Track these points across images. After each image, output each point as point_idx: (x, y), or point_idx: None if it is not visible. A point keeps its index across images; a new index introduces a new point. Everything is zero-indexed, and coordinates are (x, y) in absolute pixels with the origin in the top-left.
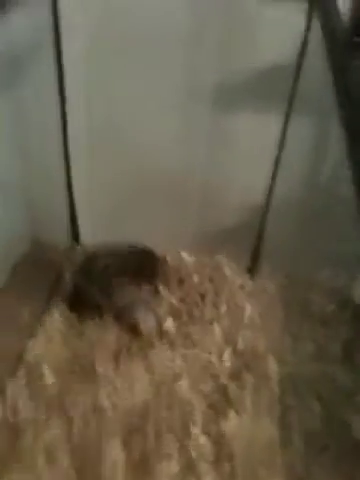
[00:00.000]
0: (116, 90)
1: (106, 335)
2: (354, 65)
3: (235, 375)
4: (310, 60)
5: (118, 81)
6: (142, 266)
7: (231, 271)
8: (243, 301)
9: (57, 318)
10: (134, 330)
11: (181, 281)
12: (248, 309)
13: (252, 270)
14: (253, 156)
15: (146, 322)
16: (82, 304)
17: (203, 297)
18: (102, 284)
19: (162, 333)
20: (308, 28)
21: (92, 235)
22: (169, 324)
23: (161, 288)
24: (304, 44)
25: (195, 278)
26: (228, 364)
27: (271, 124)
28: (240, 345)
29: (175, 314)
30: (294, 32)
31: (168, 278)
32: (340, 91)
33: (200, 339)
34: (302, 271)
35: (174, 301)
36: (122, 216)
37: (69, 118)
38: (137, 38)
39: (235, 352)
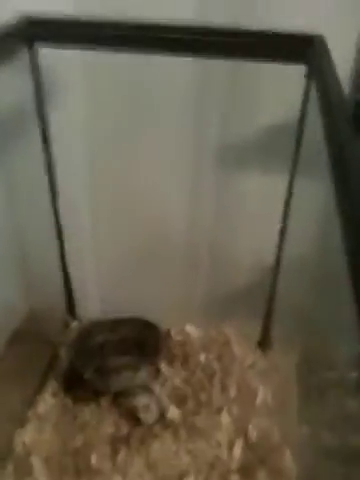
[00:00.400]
0: (117, 155)
1: (103, 424)
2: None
3: (247, 471)
4: (311, 124)
5: (119, 146)
6: (143, 343)
7: (241, 347)
8: (255, 382)
9: (50, 401)
10: (134, 419)
11: (186, 359)
12: (260, 392)
13: (263, 344)
14: (261, 217)
15: (147, 410)
16: (77, 386)
17: (211, 378)
18: (98, 364)
19: (165, 422)
20: (306, 99)
21: (90, 307)
22: (173, 412)
23: (164, 367)
24: (303, 113)
25: (202, 356)
26: (239, 459)
27: (278, 184)
28: (252, 436)
29: (180, 399)
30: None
31: (172, 356)
32: (337, 166)
33: (208, 430)
34: (318, 340)
35: (179, 383)
36: (123, 285)
37: (66, 184)
38: (138, 101)
39: (247, 444)
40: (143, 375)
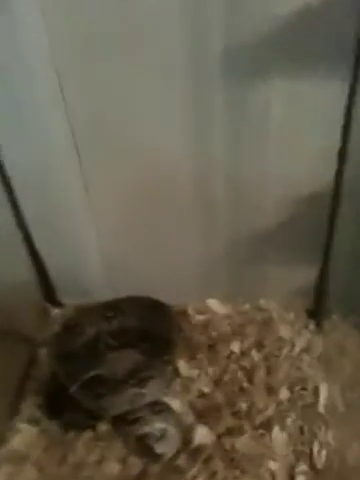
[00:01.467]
0: (93, 71)
1: (105, 461)
2: None
3: None
4: None
5: (95, 59)
6: (151, 332)
7: (287, 325)
8: (314, 375)
9: (28, 431)
10: (147, 450)
11: (213, 349)
12: (323, 389)
13: (317, 315)
14: (294, 135)
15: (164, 438)
16: (65, 405)
17: (250, 375)
18: (88, 372)
19: (192, 451)
20: None
21: (79, 287)
22: (202, 434)
23: (182, 366)
24: None
25: (234, 343)
26: None
27: (321, 87)
28: (319, 459)
29: (210, 413)
30: None
31: (193, 347)
32: None
33: (254, 455)
34: None
35: (206, 387)
36: (124, 254)
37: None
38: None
39: (313, 471)
40: (154, 387)
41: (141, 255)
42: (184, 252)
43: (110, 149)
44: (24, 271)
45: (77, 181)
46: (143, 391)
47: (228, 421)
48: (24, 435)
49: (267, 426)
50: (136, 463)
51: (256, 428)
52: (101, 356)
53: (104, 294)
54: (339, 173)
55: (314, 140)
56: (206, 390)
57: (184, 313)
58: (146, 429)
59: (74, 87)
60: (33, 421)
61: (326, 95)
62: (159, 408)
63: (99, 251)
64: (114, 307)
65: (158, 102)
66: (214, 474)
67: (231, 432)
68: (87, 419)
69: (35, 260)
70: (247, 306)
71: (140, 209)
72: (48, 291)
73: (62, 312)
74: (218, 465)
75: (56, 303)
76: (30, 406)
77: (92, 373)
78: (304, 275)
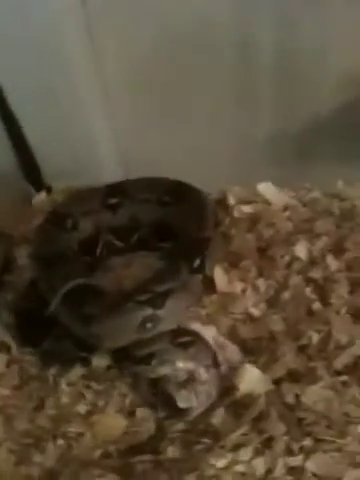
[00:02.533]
0: None
1: (99, 413)
2: None
3: None
4: None
5: None
6: (173, 228)
7: None
8: None
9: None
10: (166, 406)
11: (264, 255)
12: None
13: None
14: None
15: (192, 389)
16: (46, 329)
17: (323, 292)
18: (81, 284)
19: (235, 407)
20: None
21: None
22: (249, 381)
23: (220, 278)
24: None
25: (298, 245)
26: None
27: None
28: None
29: (260, 348)
30: None
31: (235, 250)
32: None
33: (331, 413)
34: None
35: (254, 310)
36: (133, 126)
37: None
38: None
39: None
40: (175, 306)
41: (163, 128)
42: (221, 126)
43: None
44: None
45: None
46: (158, 313)
47: (291, 361)
48: None
49: (354, 370)
50: (148, 418)
51: (336, 373)
52: (100, 261)
53: (109, 177)
54: None
55: None
56: (256, 313)
57: (222, 203)
58: (163, 370)
59: None
60: (0, 347)
61: None
62: (184, 339)
63: (105, 119)
64: (120, 191)
65: None
66: (269, 441)
67: (295, 377)
68: (76, 349)
69: (12, 130)
70: (316, 193)
71: (159, 75)
72: (30, 171)
73: (48, 199)
74: (276, 428)
75: (41, 186)
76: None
77: (77, 282)
78: None
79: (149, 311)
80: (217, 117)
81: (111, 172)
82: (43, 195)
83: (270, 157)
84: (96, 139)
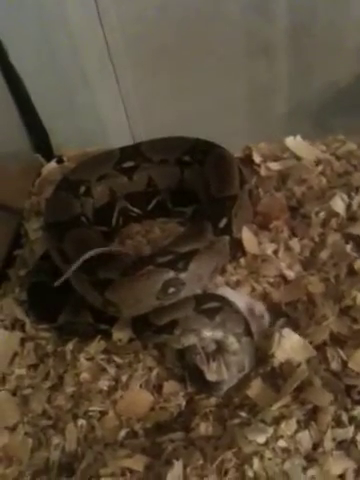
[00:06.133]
0: None
1: (122, 388)
2: None
3: None
4: None
5: None
6: (195, 192)
7: None
8: None
9: (6, 338)
10: (196, 380)
11: (297, 213)
12: None
13: None
14: None
15: (222, 361)
16: (62, 302)
17: None
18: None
19: (273, 376)
20: None
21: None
22: (289, 348)
23: (248, 239)
24: None
25: (335, 200)
26: None
27: None
28: None
29: (297, 312)
30: None
31: (265, 210)
32: None
33: None
34: None
35: (289, 272)
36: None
37: None
38: None
39: None
40: (200, 269)
41: (175, 90)
42: (238, 81)
43: None
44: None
45: None
46: (180, 276)
47: (333, 324)
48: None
49: None
50: (177, 393)
51: None
52: (116, 229)
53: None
54: None
55: None
56: (290, 275)
57: (248, 161)
58: (188, 341)
59: None
60: (14, 325)
61: None
62: (210, 306)
63: (112, 86)
64: (136, 154)
65: None
66: (315, 413)
67: (340, 342)
68: (94, 321)
69: (20, 101)
70: (351, 145)
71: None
72: (40, 141)
73: (59, 168)
74: (321, 397)
75: (51, 156)
76: (10, 304)
77: (92, 252)
78: None
79: (171, 274)
80: (234, 74)
81: (121, 139)
82: (53, 165)
83: (296, 111)
84: (104, 106)
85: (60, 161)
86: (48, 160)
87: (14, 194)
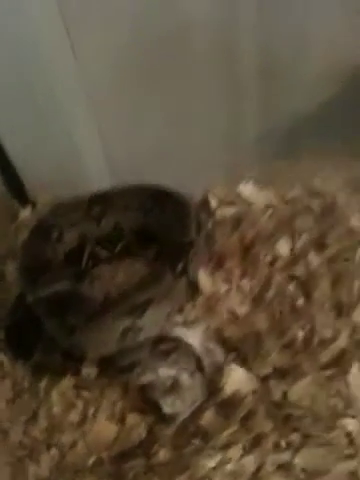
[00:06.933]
0: None
1: (90, 421)
2: None
3: None
4: None
5: None
6: (156, 234)
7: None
8: None
9: None
10: (154, 411)
11: (248, 254)
12: None
13: None
14: None
15: (176, 394)
16: (36, 341)
17: (306, 288)
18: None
19: (223, 407)
20: None
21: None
22: (236, 381)
23: (203, 279)
24: None
25: (280, 243)
26: None
27: None
28: None
29: (246, 347)
30: None
31: (219, 252)
32: None
33: (319, 409)
34: None
35: (239, 309)
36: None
37: None
38: None
39: None
40: (155, 315)
41: (146, 134)
42: (203, 127)
43: None
44: None
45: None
46: (138, 322)
47: (276, 358)
48: None
49: (338, 364)
50: (139, 424)
51: (322, 368)
52: (86, 271)
53: (95, 185)
54: None
55: None
56: (241, 312)
57: (205, 205)
58: (147, 378)
59: None
60: None
61: None
62: (165, 346)
63: (87, 127)
64: (103, 201)
65: None
66: (258, 439)
67: (282, 374)
68: (65, 360)
69: None
70: (297, 191)
71: (142, 76)
72: (14, 186)
73: (34, 213)
74: (264, 425)
75: (26, 201)
76: None
77: (59, 288)
78: None
79: (129, 321)
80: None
81: (97, 179)
82: (28, 210)
83: (253, 156)
84: (79, 148)
85: (34, 206)
86: (23, 205)
87: None
